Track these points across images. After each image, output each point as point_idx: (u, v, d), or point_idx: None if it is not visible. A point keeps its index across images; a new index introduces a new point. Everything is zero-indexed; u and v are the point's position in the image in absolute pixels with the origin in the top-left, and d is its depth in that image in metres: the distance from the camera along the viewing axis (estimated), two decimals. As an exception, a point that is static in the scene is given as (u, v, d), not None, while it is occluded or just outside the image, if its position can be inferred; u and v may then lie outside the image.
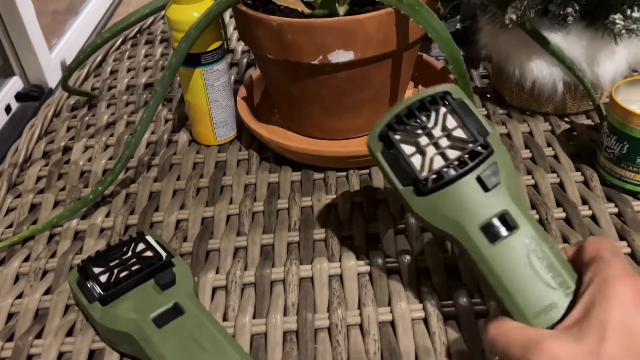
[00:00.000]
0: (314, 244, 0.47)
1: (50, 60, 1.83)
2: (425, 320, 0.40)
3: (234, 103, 0.59)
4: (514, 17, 0.50)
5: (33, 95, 1.75)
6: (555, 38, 0.53)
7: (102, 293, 0.38)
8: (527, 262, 0.33)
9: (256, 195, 0.53)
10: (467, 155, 0.35)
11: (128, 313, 0.37)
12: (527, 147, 0.56)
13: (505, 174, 0.35)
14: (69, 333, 0.41)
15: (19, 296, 0.45)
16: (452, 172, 0.34)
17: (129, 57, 0.79)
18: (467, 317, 0.40)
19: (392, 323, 0.40)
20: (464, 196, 0.34)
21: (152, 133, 0.63)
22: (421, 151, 0.35)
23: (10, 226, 0.52)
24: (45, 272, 0.47)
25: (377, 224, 0.48)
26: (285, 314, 0.42)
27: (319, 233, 0.48)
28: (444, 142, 0.35)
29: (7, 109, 1.69)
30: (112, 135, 0.63)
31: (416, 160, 0.35)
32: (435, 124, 0.36)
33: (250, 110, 0.58)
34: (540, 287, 0.32)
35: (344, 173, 0.54)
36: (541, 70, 0.56)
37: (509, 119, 0.60)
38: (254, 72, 0.64)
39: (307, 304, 0.42)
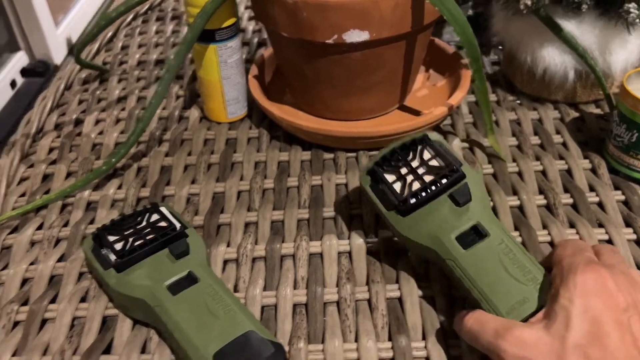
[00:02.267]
0: (324, 222, 0.48)
1: (56, 36, 1.82)
2: (433, 299, 0.41)
3: (246, 81, 0.60)
4: (529, 2, 0.50)
5: (38, 71, 1.75)
6: (569, 26, 0.54)
7: (117, 260, 0.39)
8: (498, 263, 0.36)
9: (266, 173, 0.53)
10: (441, 179, 0.40)
11: (143, 280, 0.38)
12: (536, 134, 0.56)
13: (476, 192, 0.40)
14: (83, 299, 0.42)
15: (33, 262, 0.45)
16: (427, 192, 0.39)
17: (140, 33, 0.79)
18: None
19: (400, 299, 0.41)
20: (440, 212, 0.39)
21: (164, 109, 0.63)
22: (401, 178, 0.41)
23: (23, 195, 0.53)
24: (58, 241, 0.47)
25: (386, 203, 0.48)
26: (295, 287, 0.42)
27: (328, 211, 0.49)
28: (421, 171, 0.41)
29: (13, 83, 1.69)
30: (123, 109, 0.63)
31: (397, 186, 0.41)
32: (414, 157, 0.42)
33: (262, 89, 0.59)
34: (512, 284, 0.35)
35: (354, 154, 0.55)
36: (553, 58, 0.56)
37: (518, 106, 0.60)
38: (266, 51, 0.64)
39: (316, 279, 0.43)
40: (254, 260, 0.45)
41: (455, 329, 0.36)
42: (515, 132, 0.57)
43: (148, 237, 0.40)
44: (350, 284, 0.42)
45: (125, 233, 0.41)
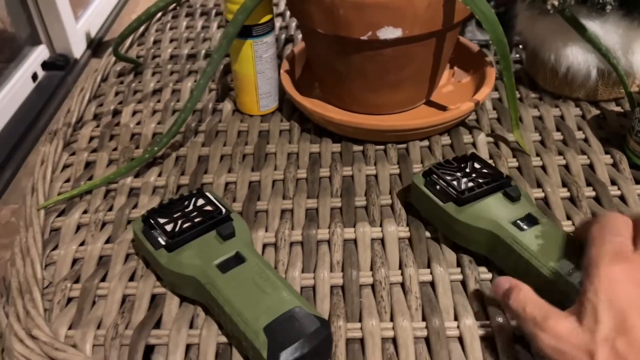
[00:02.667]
0: (355, 210, 0.50)
1: (76, 30, 1.85)
2: (463, 283, 0.43)
3: (278, 76, 0.62)
4: (555, 3, 0.52)
5: (59, 65, 1.78)
6: (593, 26, 0.55)
7: (168, 241, 0.41)
8: (554, 242, 0.41)
9: (299, 164, 0.56)
10: (493, 182, 0.45)
11: (193, 259, 0.40)
12: (558, 130, 0.58)
13: (523, 193, 0.45)
14: (131, 278, 0.45)
15: (82, 244, 0.48)
16: (482, 187, 0.44)
17: (171, 28, 0.81)
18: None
19: (432, 283, 0.43)
20: (495, 204, 0.43)
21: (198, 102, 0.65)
22: (457, 179, 0.46)
23: (67, 181, 0.55)
24: (104, 224, 0.50)
25: (416, 194, 0.51)
26: (331, 270, 0.45)
27: (360, 200, 0.51)
28: (474, 175, 0.46)
29: (34, 76, 1.72)
30: (158, 101, 0.66)
31: (454, 183, 0.45)
32: (466, 166, 0.47)
33: (293, 83, 0.61)
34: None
35: (382, 147, 0.57)
36: (576, 57, 0.58)
37: (541, 103, 0.62)
38: (296, 47, 0.66)
39: (351, 263, 0.45)
40: (291, 244, 0.47)
41: (492, 294, 0.39)
42: (538, 127, 0.59)
43: (196, 220, 0.42)
44: (384, 268, 0.44)
45: (174, 216, 0.43)
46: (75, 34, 1.84)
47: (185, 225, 0.42)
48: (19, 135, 1.53)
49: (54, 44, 1.81)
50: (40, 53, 1.77)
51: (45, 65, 1.77)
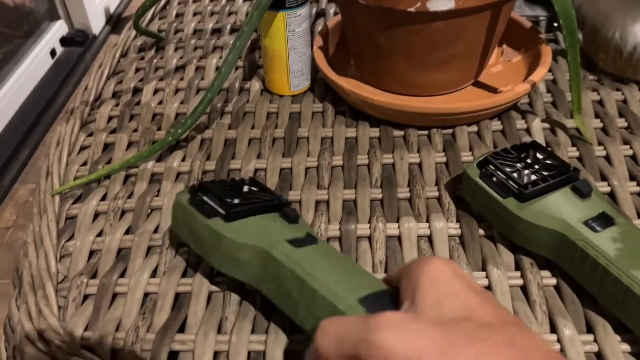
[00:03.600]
0: (398, 203, 0.45)
1: (95, 6, 1.81)
2: (524, 288, 0.38)
3: (311, 52, 0.57)
4: (630, -28, 0.46)
5: (77, 41, 1.74)
6: (668, -1, 0.49)
7: (231, 210, 0.37)
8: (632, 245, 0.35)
9: (334, 150, 0.51)
10: (560, 174, 0.39)
11: (258, 231, 0.36)
12: (621, 116, 0.53)
13: (594, 188, 0.40)
14: (152, 274, 0.41)
15: (99, 234, 0.44)
16: (548, 181, 0.39)
17: (194, 1, 0.76)
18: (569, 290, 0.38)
19: (489, 288, 0.38)
20: (564, 201, 0.38)
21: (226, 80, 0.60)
22: (517, 171, 0.40)
23: (84, 164, 0.51)
24: (123, 212, 0.46)
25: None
26: (373, 271, 0.40)
27: (403, 192, 0.46)
28: (537, 166, 0.40)
29: (53, 52, 1.68)
30: (182, 79, 0.61)
31: (515, 176, 0.40)
32: (527, 156, 0.42)
33: (327, 61, 0.56)
34: None
35: (426, 132, 0.52)
36: (645, 34, 0.52)
37: (600, 86, 0.56)
38: (330, 22, 0.61)
39: (396, 262, 0.40)
40: (328, 240, 0.43)
41: None
42: (599, 113, 0.53)
43: (255, 200, 0.38)
44: (433, 269, 0.39)
45: (219, 193, 0.38)
46: (94, 9, 1.80)
47: (242, 201, 0.38)
48: (37, 112, 1.50)
49: (73, 19, 1.77)
50: (59, 28, 1.73)
51: (63, 41, 1.74)
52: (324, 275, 0.32)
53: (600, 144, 0.50)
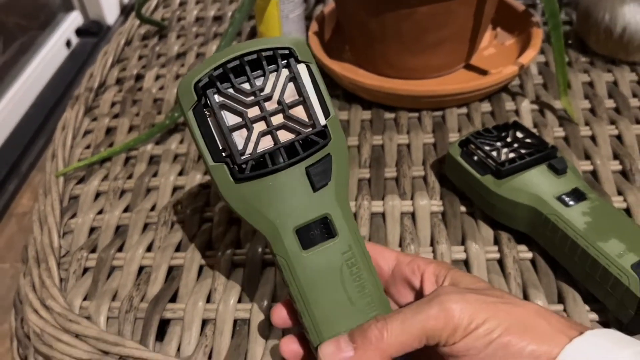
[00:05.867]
0: (385, 182, 0.47)
1: (109, -4, 1.84)
2: (501, 262, 0.40)
3: (306, 38, 0.58)
4: (614, -47, 0.47)
5: (92, 31, 1.77)
6: (656, -20, 0.50)
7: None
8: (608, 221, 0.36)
9: (326, 131, 0.53)
10: (537, 152, 0.40)
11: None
12: (611, 97, 0.53)
13: (570, 165, 0.41)
14: (148, 249, 0.43)
15: (100, 212, 0.46)
16: (524, 159, 0.40)
17: (197, -10, 0.78)
18: (544, 263, 0.39)
19: (466, 262, 0.40)
20: (539, 178, 0.39)
21: (222, 65, 0.62)
22: (496, 149, 0.42)
23: (88, 147, 0.54)
24: (123, 192, 0.48)
25: (451, 165, 0.47)
26: (357, 246, 0.42)
27: (390, 171, 0.48)
28: (516, 145, 0.42)
29: (68, 43, 1.72)
30: (182, 65, 0.63)
31: (493, 154, 0.41)
32: (507, 135, 0.43)
33: (322, 46, 0.57)
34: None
35: (416, 114, 0.53)
36: (634, 15, 0.52)
37: (592, 68, 0.57)
38: (326, 8, 0.62)
39: (379, 238, 0.42)
40: (315, 217, 0.44)
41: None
42: (589, 94, 0.54)
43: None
44: (414, 244, 0.41)
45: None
46: (109, 0, 1.83)
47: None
48: (54, 101, 1.54)
49: (88, 10, 1.80)
50: (74, 19, 1.76)
51: (79, 31, 1.77)
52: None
53: (587, 124, 0.50)
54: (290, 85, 0.28)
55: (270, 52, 0.28)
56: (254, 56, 0.28)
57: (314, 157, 0.29)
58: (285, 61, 0.28)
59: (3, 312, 1.00)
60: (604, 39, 0.56)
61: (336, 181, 0.29)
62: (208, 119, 0.28)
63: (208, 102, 0.27)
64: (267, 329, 0.37)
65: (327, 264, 0.28)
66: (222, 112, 0.28)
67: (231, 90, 0.28)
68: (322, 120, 0.29)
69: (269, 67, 0.28)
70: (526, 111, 0.52)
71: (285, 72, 0.28)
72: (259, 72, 0.28)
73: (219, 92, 0.28)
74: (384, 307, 0.29)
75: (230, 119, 0.28)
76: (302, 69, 0.29)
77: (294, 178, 0.28)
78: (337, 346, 0.27)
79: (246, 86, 0.28)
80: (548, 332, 0.25)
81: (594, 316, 0.36)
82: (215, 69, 0.27)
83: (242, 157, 0.28)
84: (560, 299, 0.37)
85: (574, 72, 0.56)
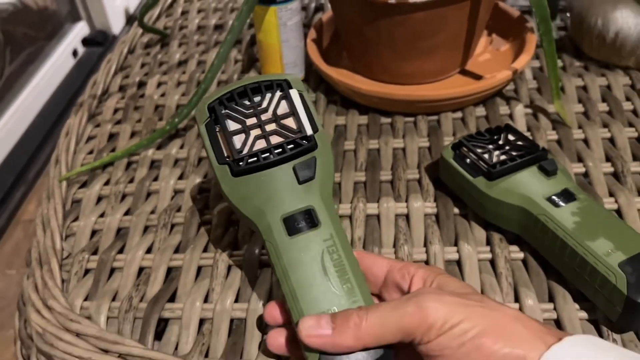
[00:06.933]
0: (380, 185, 0.48)
1: (115, 7, 1.87)
2: (493, 262, 0.40)
3: (304, 45, 0.60)
4: (604, -40, 0.48)
5: (98, 41, 1.80)
6: (646, -15, 0.51)
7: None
8: (598, 220, 0.37)
9: (324, 136, 0.54)
10: (528, 154, 0.41)
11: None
12: (604, 101, 0.54)
13: (561, 167, 0.41)
14: (148, 251, 0.44)
15: (101, 215, 0.48)
16: (515, 161, 0.41)
17: (199, -1, 0.80)
18: (535, 263, 0.40)
19: (459, 262, 0.41)
20: (529, 179, 0.40)
21: (223, 72, 0.64)
22: (488, 152, 0.42)
23: (90, 152, 0.55)
24: (124, 196, 0.49)
25: (445, 168, 0.48)
26: (352, 247, 0.43)
27: (385, 174, 0.49)
28: (507, 147, 0.43)
29: (74, 53, 1.74)
30: (184, 72, 0.65)
31: (485, 157, 0.42)
32: (500, 138, 0.44)
33: (320, 53, 0.59)
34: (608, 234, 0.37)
35: (412, 118, 0.54)
36: (626, 20, 0.53)
37: (586, 72, 0.58)
38: (324, 15, 0.63)
39: (373, 239, 0.43)
40: (311, 219, 0.45)
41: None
42: (582, 98, 0.54)
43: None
44: (407, 245, 0.42)
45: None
46: (114, 10, 1.85)
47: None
48: (60, 110, 1.56)
49: (94, 20, 1.83)
50: (81, 29, 1.79)
51: (85, 41, 1.80)
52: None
53: (580, 127, 0.51)
54: (283, 102, 0.35)
55: (269, 82, 0.35)
56: (256, 85, 0.35)
57: (301, 158, 0.33)
58: (281, 87, 0.35)
59: (10, 317, 1.01)
60: (597, 44, 0.57)
61: (320, 180, 0.34)
62: (217, 132, 0.34)
63: (215, 114, 0.34)
64: (263, 327, 0.38)
65: (309, 248, 0.31)
66: (225, 120, 0.34)
67: (234, 105, 0.34)
68: (309, 131, 0.34)
69: (267, 91, 0.35)
70: (520, 115, 0.53)
71: (279, 93, 0.35)
72: (259, 95, 0.35)
73: (225, 107, 0.34)
74: (365, 296, 0.30)
75: (232, 125, 0.34)
76: (294, 93, 0.35)
77: (282, 174, 0.33)
78: (318, 322, 0.28)
79: (247, 102, 0.35)
80: (524, 336, 0.26)
81: (583, 314, 0.36)
82: (225, 94, 0.35)
83: (240, 154, 0.33)
84: (551, 298, 0.38)
85: (568, 77, 0.57)
